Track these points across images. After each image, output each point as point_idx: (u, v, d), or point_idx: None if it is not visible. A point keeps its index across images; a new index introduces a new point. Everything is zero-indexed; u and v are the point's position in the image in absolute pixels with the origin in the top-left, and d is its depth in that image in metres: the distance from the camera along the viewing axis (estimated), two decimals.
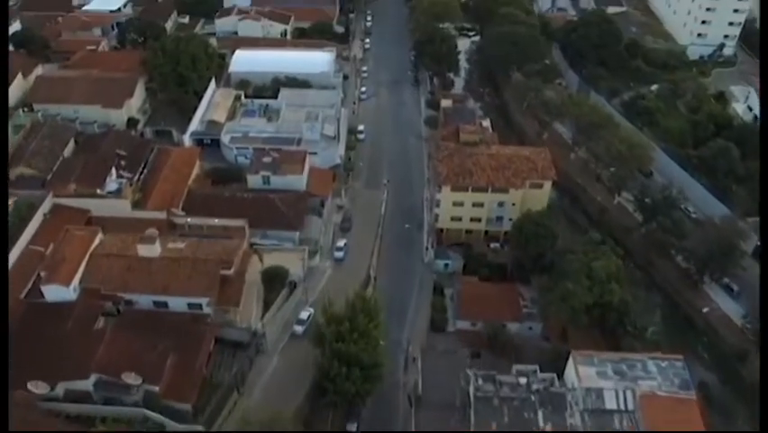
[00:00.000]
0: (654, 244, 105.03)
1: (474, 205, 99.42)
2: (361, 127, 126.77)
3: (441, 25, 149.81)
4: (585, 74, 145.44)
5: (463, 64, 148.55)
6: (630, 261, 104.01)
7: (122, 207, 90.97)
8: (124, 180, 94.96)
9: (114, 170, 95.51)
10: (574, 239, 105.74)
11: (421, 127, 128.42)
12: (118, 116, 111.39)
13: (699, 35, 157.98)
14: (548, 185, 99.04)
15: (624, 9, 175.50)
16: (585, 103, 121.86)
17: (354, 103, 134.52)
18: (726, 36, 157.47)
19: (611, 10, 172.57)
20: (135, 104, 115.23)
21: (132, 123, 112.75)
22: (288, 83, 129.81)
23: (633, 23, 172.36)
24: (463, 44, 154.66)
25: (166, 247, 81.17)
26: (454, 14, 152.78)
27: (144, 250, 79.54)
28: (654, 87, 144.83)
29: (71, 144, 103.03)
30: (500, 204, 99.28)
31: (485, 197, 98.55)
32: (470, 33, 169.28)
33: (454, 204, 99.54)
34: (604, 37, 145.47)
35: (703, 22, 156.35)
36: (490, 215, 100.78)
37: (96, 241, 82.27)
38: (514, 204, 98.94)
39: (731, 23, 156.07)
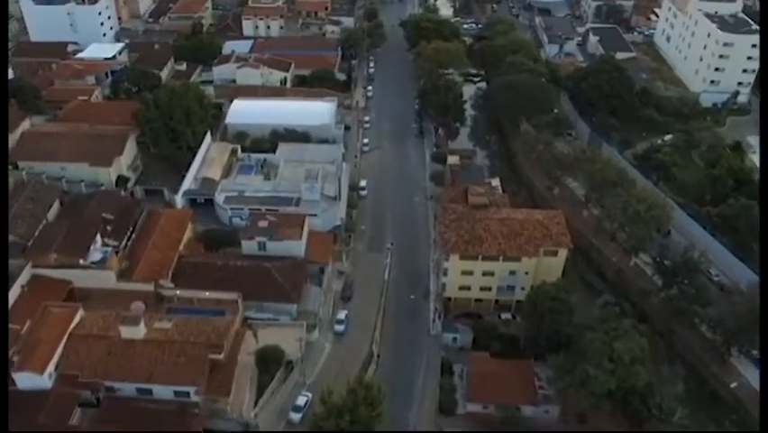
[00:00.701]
0: (676, 311, 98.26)
1: (484, 274, 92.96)
2: (363, 183, 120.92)
3: (445, 72, 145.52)
4: (596, 123, 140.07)
5: (469, 111, 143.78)
6: (649, 327, 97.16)
7: (106, 279, 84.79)
8: (110, 249, 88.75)
9: (98, 237, 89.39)
10: (590, 306, 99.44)
11: (426, 183, 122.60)
12: (106, 175, 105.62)
13: (713, 82, 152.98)
14: (563, 253, 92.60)
15: (633, 55, 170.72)
16: (599, 158, 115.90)
17: (356, 156, 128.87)
18: (740, 83, 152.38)
19: (620, 56, 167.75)
20: (125, 161, 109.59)
21: (121, 181, 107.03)
22: (287, 135, 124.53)
23: (643, 68, 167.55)
24: (468, 90, 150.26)
25: (151, 327, 74.78)
26: (459, 61, 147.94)
27: (127, 332, 73.16)
28: (668, 137, 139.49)
29: (56, 206, 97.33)
30: (512, 272, 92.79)
31: (496, 265, 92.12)
32: (476, 79, 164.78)
33: (463, 273, 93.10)
34: (615, 86, 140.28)
35: (716, 69, 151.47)
36: (501, 283, 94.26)
37: (76, 319, 76.07)
38: (527, 273, 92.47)
39: (745, 70, 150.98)
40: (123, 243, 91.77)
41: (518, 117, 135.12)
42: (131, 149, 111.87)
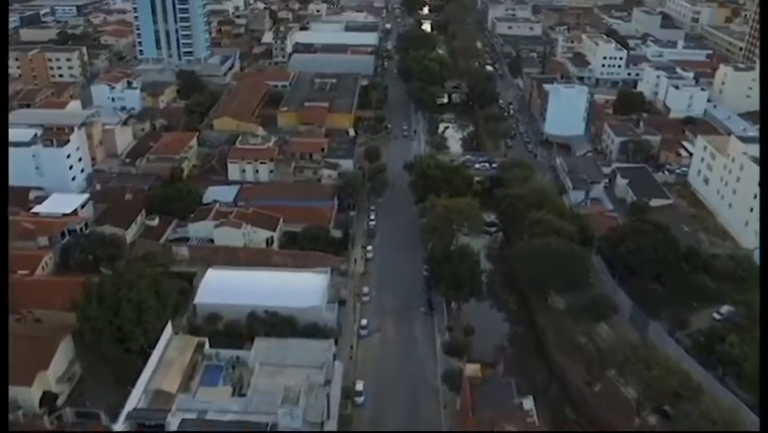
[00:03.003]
0: None
1: None
2: (359, 386, 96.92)
3: (458, 228, 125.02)
4: (636, 291, 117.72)
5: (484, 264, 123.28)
6: None
7: None
8: None
9: None
10: None
11: (438, 382, 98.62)
12: (27, 396, 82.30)
13: None
14: None
15: (669, 201, 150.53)
16: (655, 359, 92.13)
17: (352, 347, 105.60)
18: None
19: (655, 202, 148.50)
20: (55, 372, 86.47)
21: (47, 399, 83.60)
22: (268, 320, 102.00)
23: (682, 217, 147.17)
24: (483, 242, 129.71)
25: None
26: (475, 221, 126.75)
27: None
28: (725, 309, 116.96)
29: None
30: None
31: None
32: (491, 230, 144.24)
33: None
34: (658, 249, 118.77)
35: None
36: None
37: None
38: None
39: None
40: None
41: (546, 291, 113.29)
42: (64, 354, 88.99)
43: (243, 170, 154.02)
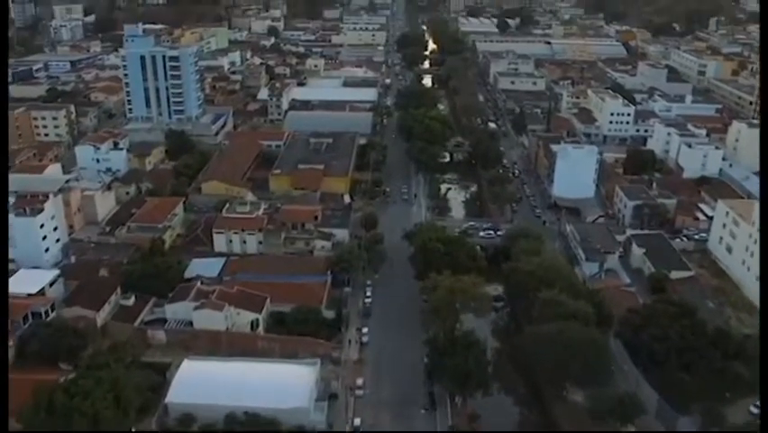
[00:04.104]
0: None
1: None
2: None
3: (461, 309, 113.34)
4: (662, 382, 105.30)
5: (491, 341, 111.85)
6: None
7: None
8: None
9: None
10: None
11: None
12: None
13: None
14: None
15: (691, 273, 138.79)
16: None
17: None
18: None
19: (675, 274, 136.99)
20: None
21: None
22: (247, 422, 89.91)
23: (705, 291, 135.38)
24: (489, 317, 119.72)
25: None
26: (481, 307, 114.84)
27: None
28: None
29: None
30: None
31: None
32: (498, 305, 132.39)
33: None
34: (685, 335, 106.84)
35: None
36: None
37: None
38: None
39: None
40: None
41: (562, 384, 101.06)
42: None
43: (230, 241, 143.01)
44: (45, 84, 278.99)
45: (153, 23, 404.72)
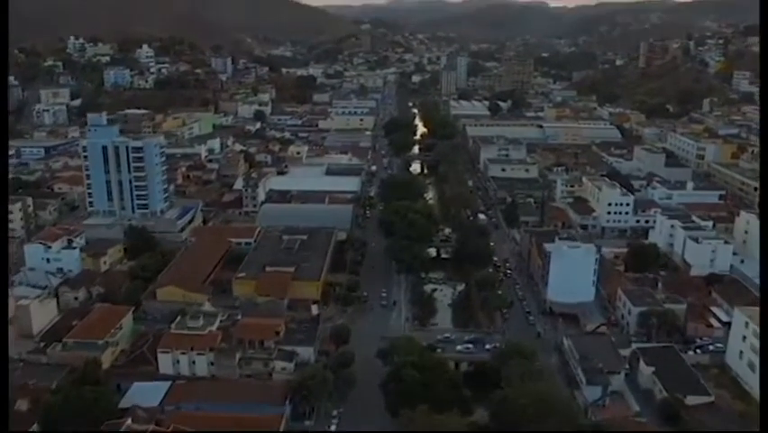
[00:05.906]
0: None
1: None
2: None
3: None
4: None
5: None
6: None
7: None
8: None
9: None
10: None
11: None
12: None
13: None
14: None
15: (711, 398, 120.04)
16: None
17: None
18: None
19: (691, 400, 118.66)
20: None
21: None
22: None
23: (727, 419, 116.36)
24: None
25: None
26: None
27: None
28: None
29: None
30: None
31: None
32: None
33: None
34: None
35: None
36: None
37: None
38: None
39: None
40: None
41: None
42: None
43: (177, 362, 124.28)
44: (11, 173, 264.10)
45: (138, 108, 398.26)
